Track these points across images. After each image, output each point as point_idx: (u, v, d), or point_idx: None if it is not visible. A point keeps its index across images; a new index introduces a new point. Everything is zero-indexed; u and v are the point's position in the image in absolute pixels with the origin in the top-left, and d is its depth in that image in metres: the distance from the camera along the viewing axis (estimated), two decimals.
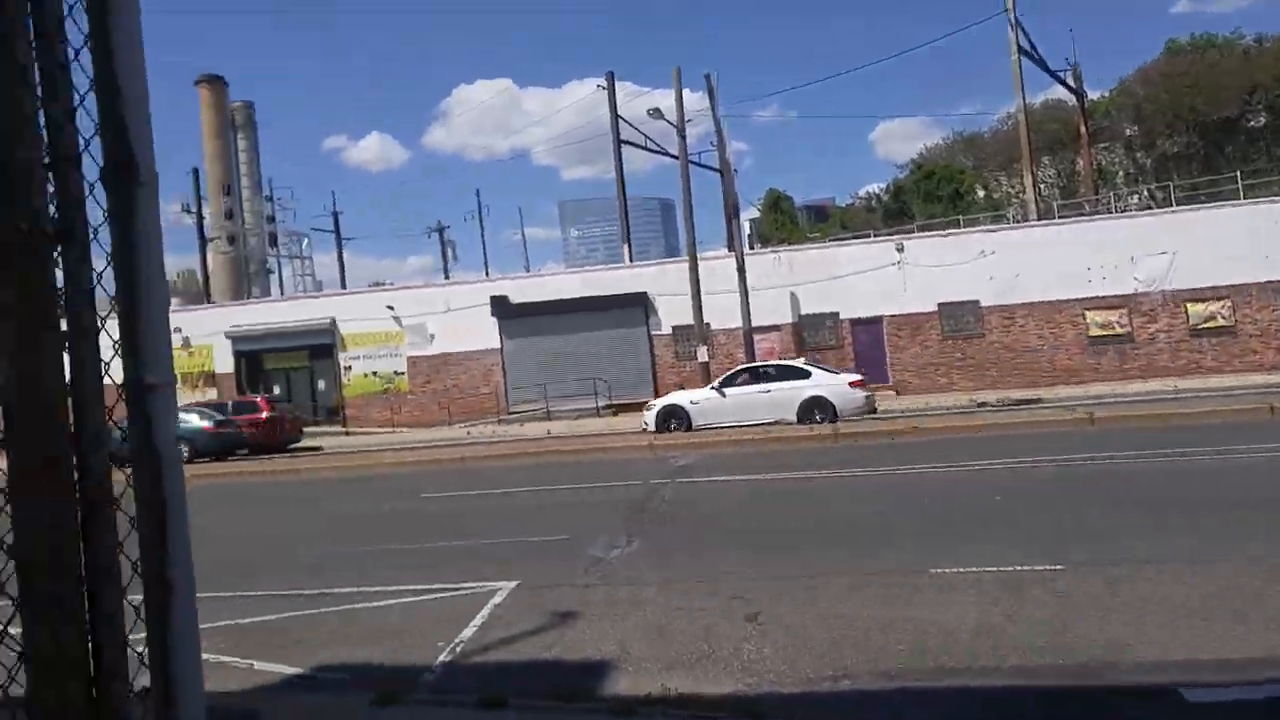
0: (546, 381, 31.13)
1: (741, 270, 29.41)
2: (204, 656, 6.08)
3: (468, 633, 6.78)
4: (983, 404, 25.09)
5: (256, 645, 6.73)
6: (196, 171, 53.11)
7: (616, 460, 18.18)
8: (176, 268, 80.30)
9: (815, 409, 21.21)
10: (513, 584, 8.08)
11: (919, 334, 31.01)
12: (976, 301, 30.60)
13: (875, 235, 42.55)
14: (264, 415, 26.42)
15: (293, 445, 27.27)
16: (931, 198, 60.97)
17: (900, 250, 31.38)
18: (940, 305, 30.86)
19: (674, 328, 31.56)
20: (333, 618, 7.50)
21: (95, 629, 1.81)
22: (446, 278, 56.13)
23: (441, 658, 6.24)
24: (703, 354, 28.57)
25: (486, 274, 56.15)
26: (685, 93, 30.05)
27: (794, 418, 21.17)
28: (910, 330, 31.02)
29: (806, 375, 21.97)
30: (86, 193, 2.00)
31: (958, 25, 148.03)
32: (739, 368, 24.03)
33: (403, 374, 32.89)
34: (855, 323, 31.32)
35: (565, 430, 25.79)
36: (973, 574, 7.26)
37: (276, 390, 32.99)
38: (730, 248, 33.09)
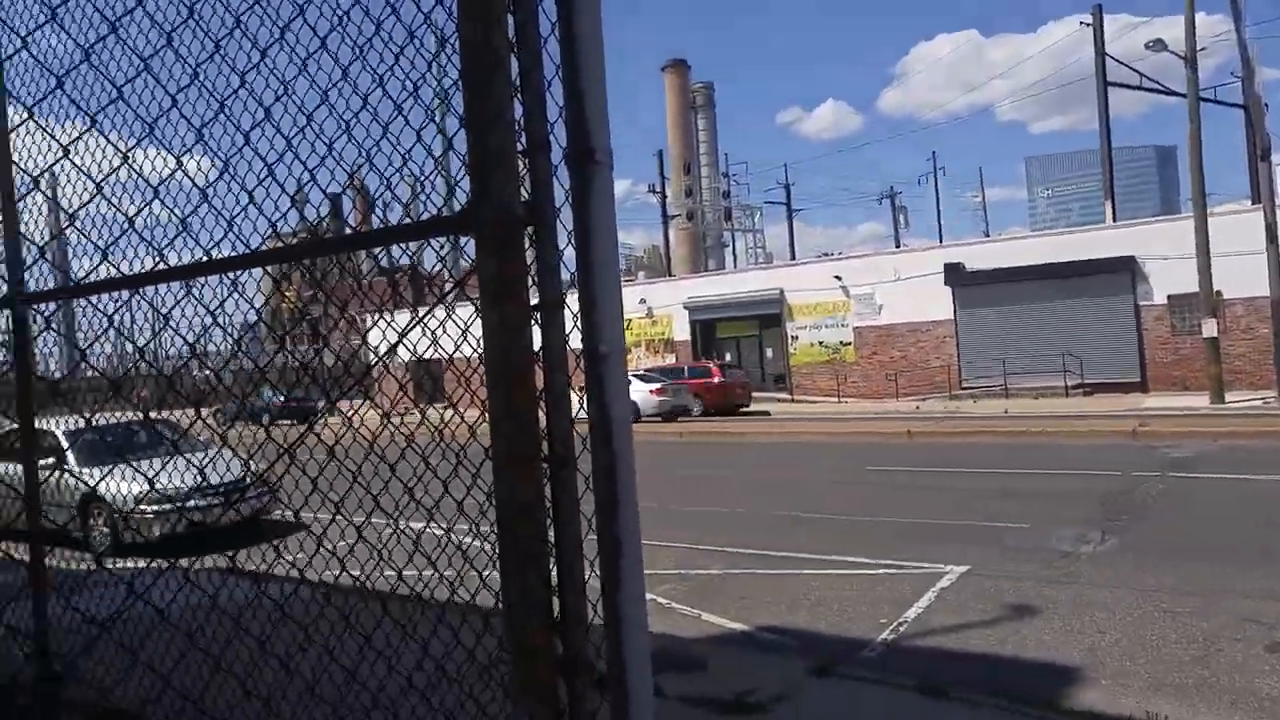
0: (1005, 356, 28.95)
1: (1272, 227, 24.27)
2: (659, 601, 6.59)
3: (911, 613, 6.54)
4: None
5: (704, 597, 7.18)
6: (661, 153, 58.24)
7: (1089, 446, 16.28)
8: (643, 244, 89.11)
9: None
10: (962, 569, 7.64)
11: None
12: None
13: None
14: (715, 380, 28.33)
15: (742, 409, 28.82)
16: None
17: None
18: None
19: (1169, 297, 27.22)
20: (777, 580, 7.72)
21: (560, 580, 1.98)
22: (897, 245, 54.87)
23: (883, 635, 6.10)
24: (1209, 328, 24.22)
25: (940, 240, 53.76)
26: (1199, 17, 25.49)
27: None
28: None
29: None
30: (552, 175, 2.16)
31: None
32: None
33: (849, 344, 32.94)
34: None
35: (1025, 410, 23.78)
36: None
37: (728, 357, 35.08)
38: (1255, 199, 27.60)
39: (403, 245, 2.53)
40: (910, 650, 5.82)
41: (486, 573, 2.35)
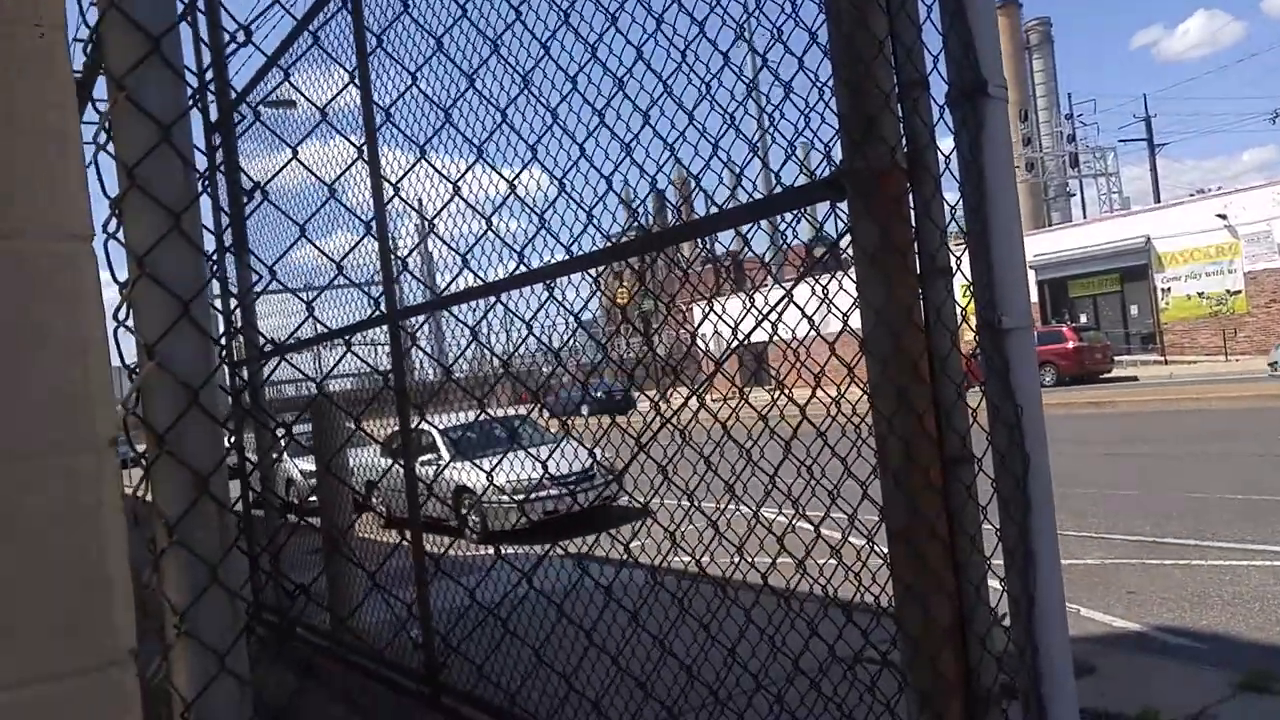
0: None
1: None
2: None
3: None
4: None
5: (1080, 590, 6.35)
6: None
7: None
8: None
9: None
10: None
11: None
12: None
13: None
14: (1070, 345, 25.59)
15: (1103, 376, 25.83)
16: None
17: None
18: None
19: None
20: (1173, 572, 6.67)
21: (964, 601, 1.68)
22: None
23: None
24: None
25: None
26: None
27: None
28: None
29: None
30: (936, 119, 1.85)
31: None
32: None
33: (1238, 293, 28.10)
34: None
35: None
36: None
37: (1083, 318, 31.56)
38: None
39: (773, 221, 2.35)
40: None
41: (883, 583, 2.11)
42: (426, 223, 4.14)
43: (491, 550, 3.72)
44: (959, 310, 1.83)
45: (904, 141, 1.79)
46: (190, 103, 1.27)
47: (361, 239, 4.25)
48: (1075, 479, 11.12)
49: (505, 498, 9.81)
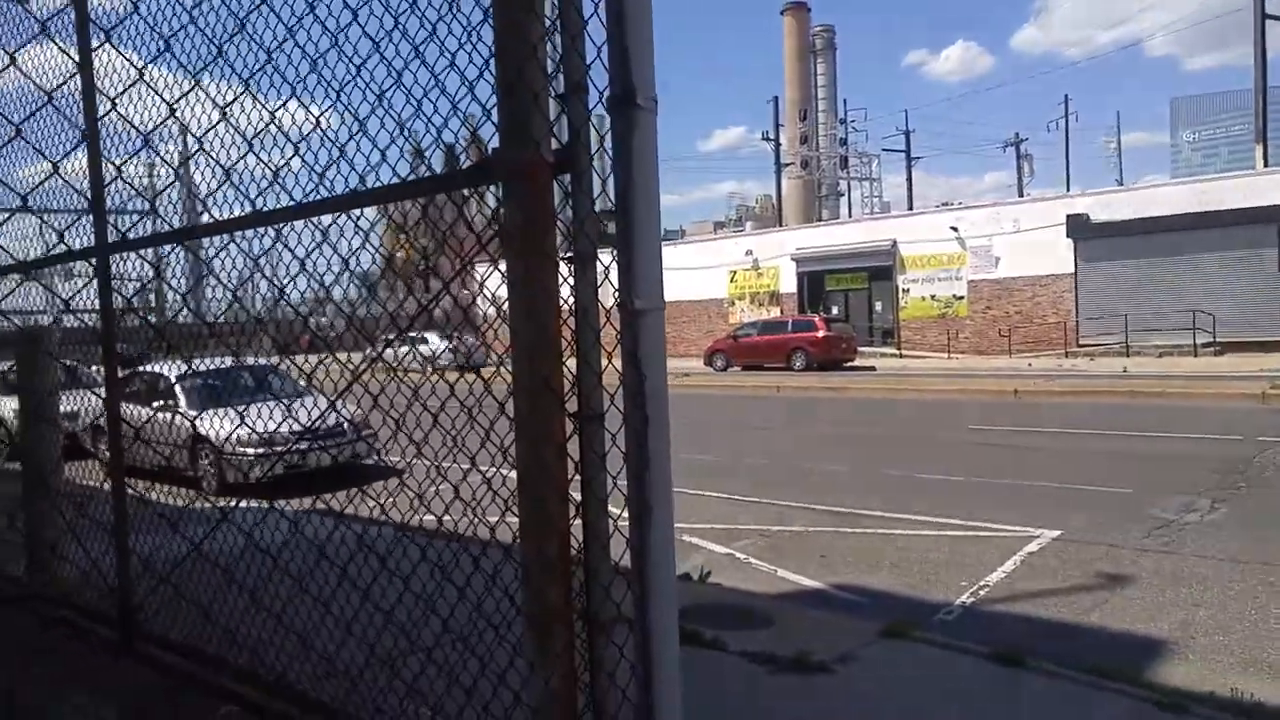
0: (1128, 312, 27.36)
1: None
2: (736, 556, 6.54)
3: (994, 577, 6.34)
4: None
5: (782, 554, 7.11)
6: (776, 100, 56.75)
7: (1212, 409, 15.28)
8: (757, 193, 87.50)
9: None
10: (1053, 533, 7.35)
11: None
12: None
13: None
14: (820, 334, 27.77)
15: (846, 364, 28.23)
16: None
17: None
18: None
19: None
20: (859, 539, 7.58)
21: (585, 538, 1.95)
22: (1021, 195, 52.20)
23: (961, 599, 5.93)
24: None
25: (1068, 189, 50.84)
26: None
27: None
28: None
29: None
30: (587, 121, 2.08)
31: None
32: None
33: (962, 298, 31.70)
34: None
35: (1147, 369, 22.48)
36: None
37: (835, 310, 34.25)
38: None
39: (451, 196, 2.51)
40: (989, 616, 5.64)
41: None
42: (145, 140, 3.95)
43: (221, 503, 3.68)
44: (596, 291, 2.08)
45: (558, 139, 2.00)
46: None
47: (67, 154, 3.96)
48: (798, 455, 12.25)
49: (244, 450, 9.42)
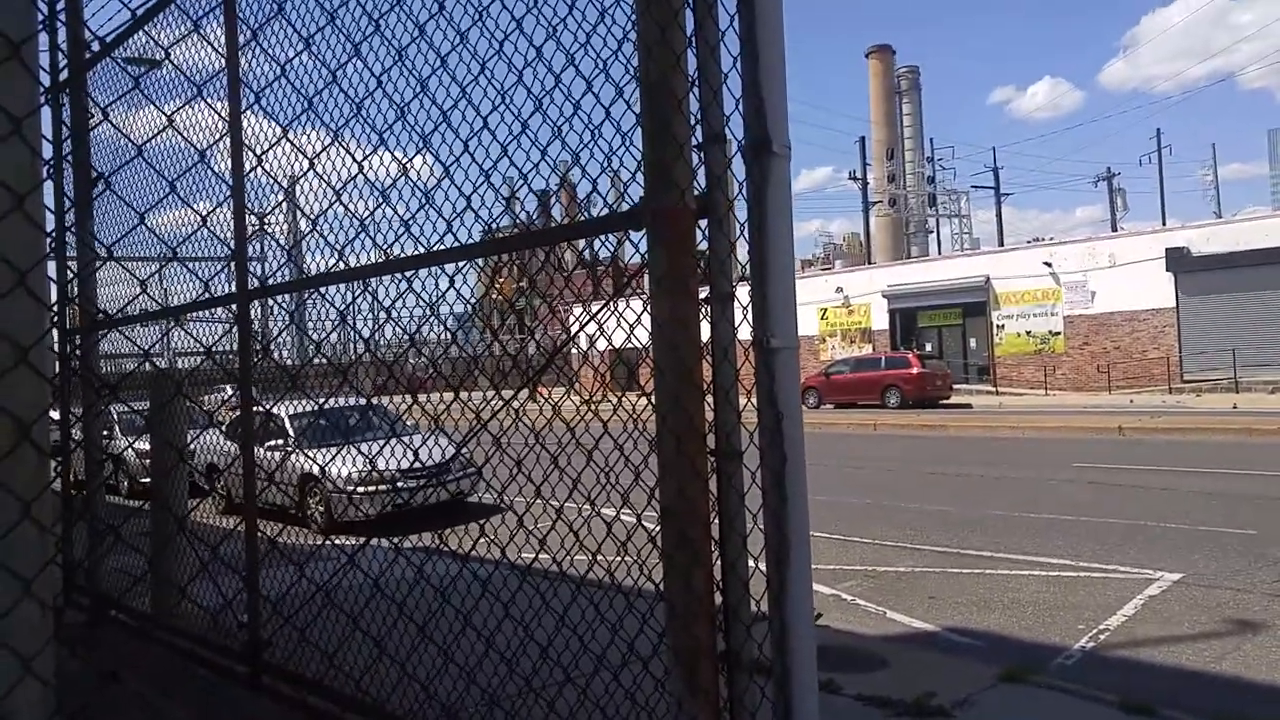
0: (1235, 346, 26.07)
1: None
2: (843, 598, 6.44)
3: (1114, 621, 6.09)
4: None
5: (891, 595, 6.96)
6: (863, 140, 56.47)
7: None
8: (844, 232, 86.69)
9: None
10: (1175, 576, 7.02)
11: None
12: None
13: None
14: (914, 370, 27.29)
15: (942, 401, 27.61)
16: None
17: None
18: None
19: None
20: (969, 579, 7.38)
21: (724, 577, 1.99)
22: (1114, 230, 50.55)
23: (1080, 643, 5.71)
24: None
25: (1163, 222, 49.02)
26: None
27: None
28: None
29: None
30: (727, 168, 2.16)
31: None
32: None
33: (1059, 334, 30.73)
34: None
35: (1260, 406, 21.33)
36: None
37: (928, 347, 33.63)
38: None
39: (602, 239, 2.62)
40: (1111, 661, 5.41)
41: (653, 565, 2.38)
42: (289, 198, 4.21)
43: (340, 541, 3.83)
44: (735, 330, 2.14)
45: (700, 184, 2.09)
46: (41, 101, 1.42)
47: (216, 208, 4.23)
48: (898, 494, 11.99)
49: (351, 488, 9.70)
